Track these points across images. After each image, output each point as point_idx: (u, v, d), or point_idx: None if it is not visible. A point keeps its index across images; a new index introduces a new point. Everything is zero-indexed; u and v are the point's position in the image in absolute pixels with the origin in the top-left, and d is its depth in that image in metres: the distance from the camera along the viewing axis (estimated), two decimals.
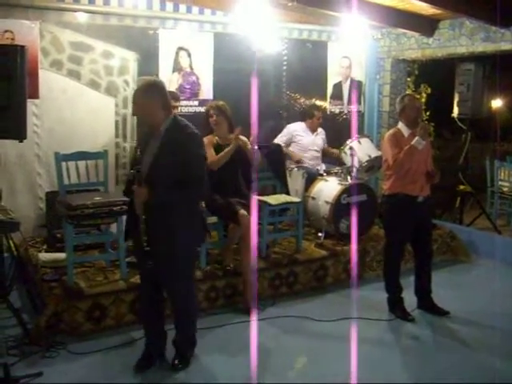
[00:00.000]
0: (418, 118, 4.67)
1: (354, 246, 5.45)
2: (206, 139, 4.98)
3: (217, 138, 5.09)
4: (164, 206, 3.58)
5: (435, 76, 8.05)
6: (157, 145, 3.64)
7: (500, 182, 7.99)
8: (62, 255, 4.82)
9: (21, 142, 4.27)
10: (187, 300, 3.84)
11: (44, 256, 5.00)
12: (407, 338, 4.48)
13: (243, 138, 5.15)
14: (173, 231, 3.61)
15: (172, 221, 3.61)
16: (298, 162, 6.53)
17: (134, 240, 3.81)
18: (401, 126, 4.74)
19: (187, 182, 3.57)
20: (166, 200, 3.57)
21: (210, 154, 4.87)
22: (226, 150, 4.96)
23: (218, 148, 5.04)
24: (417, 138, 4.52)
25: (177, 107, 6.00)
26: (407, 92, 7.58)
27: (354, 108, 7.84)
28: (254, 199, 4.95)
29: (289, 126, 6.81)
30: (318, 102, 7.43)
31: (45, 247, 5.36)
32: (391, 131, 4.82)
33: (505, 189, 7.94)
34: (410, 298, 4.86)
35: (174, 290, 3.82)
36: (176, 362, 3.86)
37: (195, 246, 4.02)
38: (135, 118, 6.29)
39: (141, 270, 3.91)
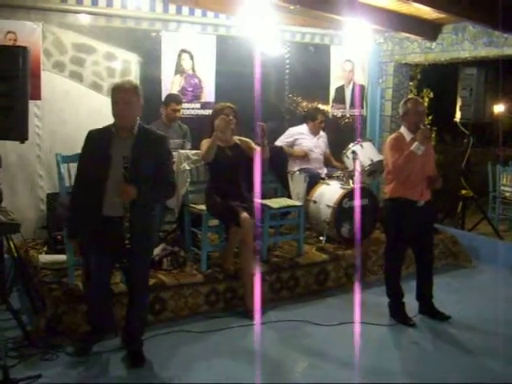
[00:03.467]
0: (420, 123, 4.62)
1: (358, 250, 5.43)
2: (205, 141, 4.97)
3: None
4: (145, 205, 3.75)
5: (438, 80, 8.04)
6: (129, 145, 3.71)
7: (502, 187, 7.98)
8: (62, 257, 4.80)
9: (22, 143, 4.26)
10: (147, 286, 4.14)
11: (44, 258, 4.98)
12: (408, 343, 4.45)
13: (244, 138, 5.13)
14: (151, 229, 3.87)
15: (150, 219, 3.84)
16: (304, 156, 6.51)
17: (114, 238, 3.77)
18: (403, 130, 4.72)
19: (162, 182, 3.81)
20: (149, 199, 3.76)
21: (205, 148, 4.92)
22: (212, 138, 4.86)
23: (218, 151, 4.96)
24: (416, 143, 4.48)
25: (179, 110, 6.01)
26: (410, 96, 7.56)
27: (357, 112, 7.83)
28: (258, 202, 4.95)
29: (291, 128, 6.81)
30: (321, 106, 7.42)
31: (45, 249, 5.34)
32: (393, 135, 4.80)
33: (507, 194, 7.93)
34: (411, 303, 4.84)
35: (143, 281, 4.00)
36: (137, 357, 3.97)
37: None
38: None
39: (101, 267, 3.87)
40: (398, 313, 4.79)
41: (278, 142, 6.63)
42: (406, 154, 4.49)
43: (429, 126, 7.42)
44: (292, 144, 6.66)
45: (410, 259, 5.33)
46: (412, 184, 4.59)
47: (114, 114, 3.78)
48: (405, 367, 4.07)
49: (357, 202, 5.81)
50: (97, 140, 3.78)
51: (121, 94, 3.75)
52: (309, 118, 6.81)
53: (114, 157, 3.69)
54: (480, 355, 4.24)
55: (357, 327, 4.55)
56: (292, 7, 6.09)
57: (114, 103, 3.77)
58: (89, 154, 3.79)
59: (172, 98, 6.04)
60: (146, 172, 3.71)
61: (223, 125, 4.90)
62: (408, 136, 4.64)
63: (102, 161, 3.69)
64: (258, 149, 4.99)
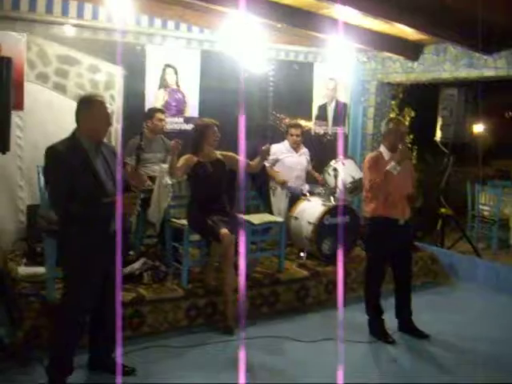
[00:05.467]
0: (399, 143, 4.63)
1: (340, 267, 5.42)
2: (186, 157, 4.96)
3: (199, 156, 5.03)
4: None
5: (419, 100, 8.15)
6: (102, 159, 3.67)
7: (481, 206, 8.07)
8: (41, 269, 4.76)
9: (3, 153, 4.23)
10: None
11: (23, 270, 4.93)
12: (386, 360, 4.46)
13: (226, 152, 5.14)
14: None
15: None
16: (283, 183, 6.51)
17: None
18: (382, 149, 4.75)
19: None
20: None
21: (178, 164, 4.88)
22: (173, 157, 4.84)
23: (197, 165, 4.97)
24: (392, 163, 4.52)
25: (164, 120, 6.00)
26: (391, 115, 7.65)
27: (340, 130, 7.90)
28: (241, 217, 4.97)
29: (273, 146, 6.80)
30: (303, 122, 7.44)
31: (24, 261, 5.29)
32: (372, 154, 4.83)
33: (485, 213, 8.02)
34: (391, 320, 4.86)
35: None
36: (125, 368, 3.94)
37: None
38: (119, 131, 6.30)
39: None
40: (377, 330, 4.81)
41: None
42: (382, 174, 4.52)
43: (410, 145, 7.59)
44: (275, 162, 6.63)
45: (389, 276, 5.35)
46: (392, 202, 4.62)
47: (101, 128, 3.69)
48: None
49: (339, 219, 5.85)
50: (73, 157, 3.55)
51: (105, 107, 3.71)
52: (285, 132, 6.86)
53: (99, 172, 3.64)
54: (458, 374, 4.26)
55: (336, 344, 4.55)
56: (278, 25, 6.16)
57: (103, 115, 3.68)
58: (73, 172, 3.53)
59: (156, 109, 6.05)
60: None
61: (215, 141, 5.02)
62: (387, 155, 4.68)
63: (91, 178, 3.59)
64: (242, 159, 5.05)
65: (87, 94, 3.91)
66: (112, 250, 3.60)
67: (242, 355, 4.09)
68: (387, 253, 4.74)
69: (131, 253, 5.31)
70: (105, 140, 3.87)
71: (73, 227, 3.58)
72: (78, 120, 3.66)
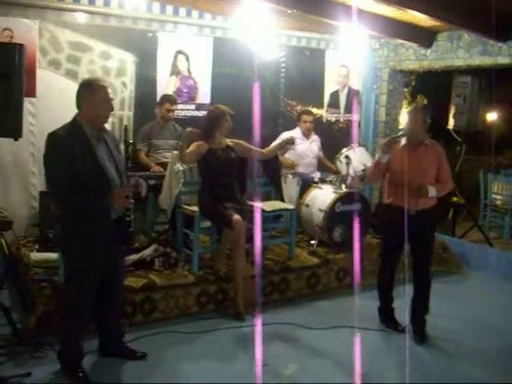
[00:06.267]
0: (409, 130, 4.53)
1: (356, 254, 5.38)
2: (197, 143, 4.96)
3: (210, 143, 5.01)
4: None
5: (432, 87, 8.08)
6: (105, 146, 3.65)
7: (493, 195, 8.01)
8: (53, 255, 4.79)
9: (16, 140, 4.25)
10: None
11: (36, 256, 4.97)
12: (396, 349, 4.46)
13: (237, 140, 5.14)
14: None
15: None
16: (292, 166, 6.52)
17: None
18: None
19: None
20: None
21: (188, 150, 4.89)
22: (183, 143, 4.86)
23: (208, 152, 4.97)
24: (379, 152, 4.55)
25: (173, 110, 6.02)
26: (403, 103, 7.62)
27: (353, 117, 7.86)
28: (255, 204, 4.96)
29: (284, 133, 6.79)
30: (315, 110, 7.42)
31: (37, 247, 5.33)
32: (391, 137, 4.73)
33: (498, 202, 7.97)
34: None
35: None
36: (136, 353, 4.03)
37: None
38: (132, 118, 6.32)
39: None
40: (387, 318, 4.79)
41: None
42: (372, 162, 4.55)
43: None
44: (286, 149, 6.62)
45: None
46: (402, 191, 4.42)
47: (103, 113, 3.64)
48: (393, 372, 4.08)
49: (351, 207, 5.84)
50: (75, 143, 3.50)
51: (108, 91, 3.64)
52: (297, 119, 6.86)
53: (102, 159, 3.60)
54: (466, 362, 4.28)
55: (346, 332, 4.56)
56: (290, 11, 6.12)
57: (105, 100, 3.61)
58: (75, 159, 3.47)
59: (166, 98, 6.06)
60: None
61: (227, 129, 5.02)
62: (403, 140, 4.59)
63: (93, 165, 3.55)
64: (254, 148, 5.09)
65: (89, 78, 3.85)
66: (113, 237, 3.64)
67: (258, 339, 4.11)
68: (396, 241, 4.60)
69: (136, 245, 5.25)
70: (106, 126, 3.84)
71: (73, 214, 3.58)
72: (79, 105, 3.61)
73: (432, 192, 4.44)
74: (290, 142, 5.33)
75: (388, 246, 4.76)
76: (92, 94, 3.58)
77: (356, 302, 4.92)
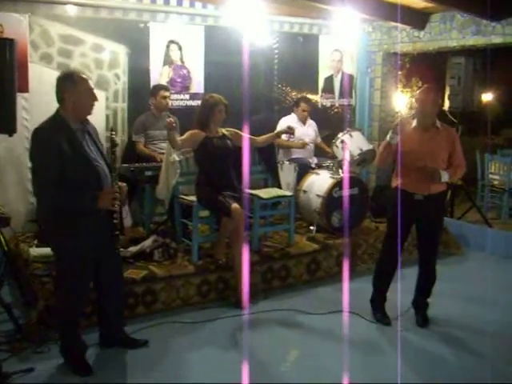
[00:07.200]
0: (418, 111, 4.38)
1: (347, 239, 5.39)
2: (192, 132, 4.96)
3: (206, 132, 5.00)
4: None
5: (426, 69, 8.05)
6: (90, 139, 3.63)
7: (490, 176, 8.01)
8: None
9: (10, 136, 4.24)
10: None
11: (35, 251, 4.97)
12: (395, 332, 4.45)
13: (231, 129, 5.13)
14: None
15: None
16: (304, 146, 6.53)
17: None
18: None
19: None
20: None
21: (183, 137, 4.94)
22: (169, 132, 4.80)
23: (207, 141, 4.97)
24: (390, 132, 4.36)
25: (168, 97, 5.98)
26: (398, 86, 7.60)
27: (345, 101, 7.85)
28: (247, 191, 4.96)
29: (282, 119, 6.76)
30: (310, 96, 7.41)
31: (35, 242, 5.33)
32: (402, 118, 4.64)
33: (495, 182, 7.97)
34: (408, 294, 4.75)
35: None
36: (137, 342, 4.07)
37: None
38: (126, 111, 6.30)
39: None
40: (377, 309, 4.67)
41: None
42: (382, 144, 4.42)
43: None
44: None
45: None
46: (407, 175, 4.36)
47: (88, 104, 3.57)
48: (392, 358, 4.10)
49: (346, 192, 5.84)
50: (63, 139, 3.43)
51: (89, 82, 3.57)
52: (294, 105, 6.85)
53: (90, 153, 3.57)
54: (466, 343, 4.30)
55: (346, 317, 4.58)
56: None
57: (89, 90, 3.54)
58: (64, 155, 3.41)
59: (160, 87, 6.03)
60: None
61: (221, 119, 5.01)
62: (414, 122, 4.46)
63: (83, 162, 3.51)
64: (246, 136, 5.08)
65: (68, 70, 3.75)
66: (103, 229, 3.62)
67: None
68: (400, 226, 4.42)
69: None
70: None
71: (62, 211, 3.50)
72: (62, 98, 3.52)
73: (445, 177, 4.32)
74: (291, 131, 5.30)
75: (394, 231, 4.48)
76: (75, 85, 3.50)
77: (351, 287, 4.90)
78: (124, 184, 3.86)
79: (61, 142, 3.40)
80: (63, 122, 3.50)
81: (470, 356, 4.10)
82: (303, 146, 6.54)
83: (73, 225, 3.51)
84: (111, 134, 3.78)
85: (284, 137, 6.24)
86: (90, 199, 3.48)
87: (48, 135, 3.43)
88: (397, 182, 4.47)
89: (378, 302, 4.70)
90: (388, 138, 4.37)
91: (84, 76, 3.57)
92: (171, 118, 4.80)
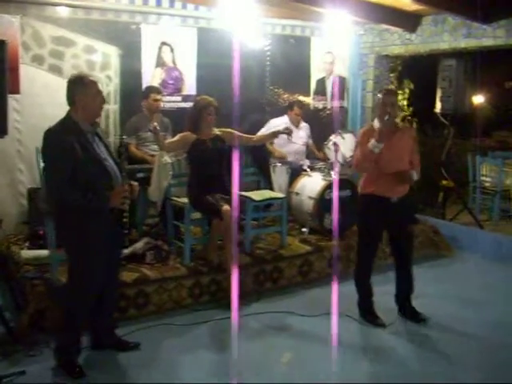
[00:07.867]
0: (386, 115, 4.26)
1: (337, 242, 5.41)
2: (183, 134, 4.98)
3: (198, 134, 5.00)
4: None
5: (418, 72, 8.09)
6: (100, 141, 3.69)
7: (482, 178, 8.07)
8: (44, 252, 4.77)
9: (2, 137, 4.22)
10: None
11: (26, 253, 4.94)
12: (388, 333, 4.47)
13: (224, 129, 5.13)
14: None
15: None
16: (281, 158, 6.51)
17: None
18: (375, 122, 4.45)
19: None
20: None
21: (173, 139, 5.01)
22: (157, 137, 4.87)
23: (199, 143, 4.97)
24: (372, 140, 4.23)
25: (160, 99, 5.98)
26: (389, 87, 7.60)
27: (336, 104, 7.86)
28: (237, 193, 4.95)
29: (272, 120, 6.78)
30: (302, 98, 7.43)
31: (27, 244, 5.30)
32: (364, 128, 4.63)
33: (486, 184, 8.02)
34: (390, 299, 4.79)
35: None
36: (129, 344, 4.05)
37: None
38: (118, 113, 6.28)
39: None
40: (366, 312, 4.67)
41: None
42: (364, 151, 4.29)
43: (409, 118, 7.55)
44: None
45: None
46: (384, 179, 4.34)
47: (98, 106, 3.66)
48: (384, 359, 4.11)
49: (337, 194, 5.84)
50: (75, 141, 3.49)
51: (98, 85, 3.66)
52: (288, 107, 6.85)
53: (101, 155, 3.64)
54: (458, 345, 4.31)
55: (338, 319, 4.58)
56: None
57: (99, 94, 3.64)
58: (76, 156, 3.48)
59: (151, 89, 6.02)
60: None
61: (211, 122, 5.02)
62: (375, 127, 4.37)
63: (95, 163, 3.58)
64: (245, 135, 5.12)
65: (78, 74, 3.82)
66: (112, 227, 3.66)
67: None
68: (377, 232, 4.56)
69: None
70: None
71: (76, 211, 3.54)
72: (72, 101, 3.60)
73: (415, 176, 4.35)
74: (288, 131, 5.28)
75: (369, 238, 4.56)
76: (85, 88, 3.59)
77: (343, 289, 4.91)
78: (136, 183, 3.91)
79: (73, 143, 3.48)
80: (74, 124, 3.57)
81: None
82: (283, 157, 6.52)
83: (86, 223, 3.55)
84: (121, 137, 3.84)
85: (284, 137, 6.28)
86: (102, 198, 3.54)
87: (60, 137, 3.49)
88: (369, 189, 4.45)
89: (366, 305, 4.70)
90: (371, 146, 4.25)
91: (94, 79, 3.66)
92: (155, 123, 4.83)
